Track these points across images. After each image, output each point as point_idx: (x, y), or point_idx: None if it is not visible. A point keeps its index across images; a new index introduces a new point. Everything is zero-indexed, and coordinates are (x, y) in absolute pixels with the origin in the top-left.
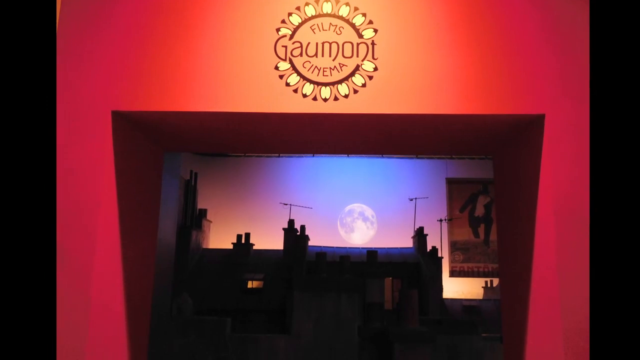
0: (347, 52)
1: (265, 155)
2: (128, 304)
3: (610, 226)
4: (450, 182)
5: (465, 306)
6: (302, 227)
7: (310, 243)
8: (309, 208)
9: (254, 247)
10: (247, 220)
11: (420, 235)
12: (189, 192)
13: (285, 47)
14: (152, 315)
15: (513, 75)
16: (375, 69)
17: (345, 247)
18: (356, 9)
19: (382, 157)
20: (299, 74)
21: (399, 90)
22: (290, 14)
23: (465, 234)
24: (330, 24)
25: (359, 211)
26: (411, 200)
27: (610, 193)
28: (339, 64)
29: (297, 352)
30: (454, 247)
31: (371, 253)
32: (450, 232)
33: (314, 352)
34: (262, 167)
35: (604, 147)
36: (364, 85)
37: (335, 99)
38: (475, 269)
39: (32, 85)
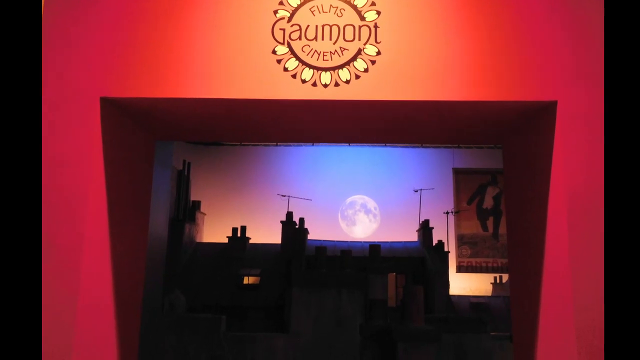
0: (349, 36)
1: (262, 144)
2: (117, 301)
3: (626, 218)
4: (457, 172)
5: (473, 303)
6: (301, 220)
7: (309, 237)
8: (308, 200)
9: (250, 241)
10: (243, 213)
11: (425, 229)
12: (182, 183)
13: (283, 30)
14: (143, 313)
15: (523, 60)
16: (378, 53)
17: (347, 241)
18: None
19: (386, 146)
20: (297, 58)
21: (403, 75)
22: None
23: (473, 227)
24: (331, 5)
25: (360, 203)
26: (416, 191)
27: (626, 184)
28: (340, 47)
29: (295, 351)
30: (461, 241)
31: (374, 247)
32: (457, 225)
33: (314, 352)
34: (259, 157)
35: (620, 135)
36: (366, 70)
37: (336, 84)
38: (484, 264)
39: (15, 71)
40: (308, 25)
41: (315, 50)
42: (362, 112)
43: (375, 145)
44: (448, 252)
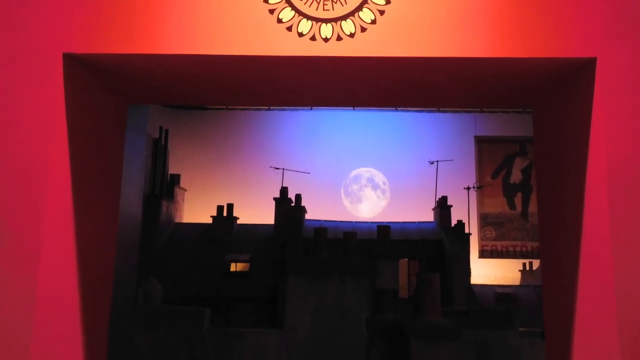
0: None
1: (253, 107)
2: (83, 291)
3: None
4: (480, 141)
5: (499, 294)
6: (298, 197)
7: (307, 216)
8: (306, 173)
9: (238, 221)
10: (229, 188)
11: (442, 207)
12: (159, 153)
13: None
14: (113, 305)
15: (557, 10)
16: (388, 1)
17: (351, 222)
18: None
19: (396, 110)
20: (293, 7)
21: (416, 28)
22: None
23: (498, 204)
24: None
25: (367, 177)
26: (432, 163)
27: None
28: None
29: (291, 349)
30: (484, 221)
31: (382, 229)
32: (480, 203)
33: (312, 350)
34: (248, 123)
35: None
36: (373, 21)
37: (339, 38)
38: (511, 248)
39: None
40: None
41: None
42: (369, 70)
43: (385, 110)
44: (469, 234)
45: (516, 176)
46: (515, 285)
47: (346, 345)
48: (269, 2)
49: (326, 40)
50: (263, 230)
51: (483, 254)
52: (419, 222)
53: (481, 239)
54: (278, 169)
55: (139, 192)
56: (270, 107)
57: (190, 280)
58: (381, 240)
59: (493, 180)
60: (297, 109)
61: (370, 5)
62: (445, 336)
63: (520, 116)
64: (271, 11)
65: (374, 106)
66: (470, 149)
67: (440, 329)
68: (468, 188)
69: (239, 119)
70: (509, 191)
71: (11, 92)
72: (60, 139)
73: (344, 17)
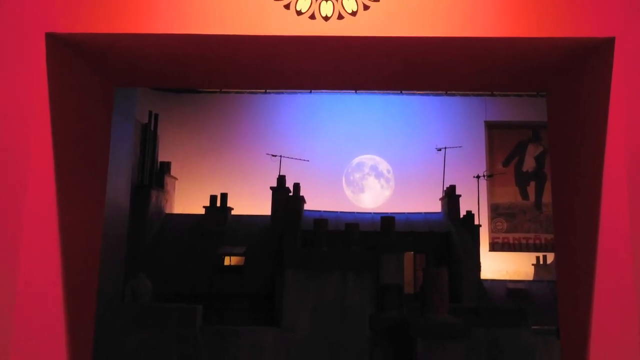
0: None
1: (248, 91)
2: (67, 287)
3: None
4: (490, 126)
5: (511, 289)
6: (296, 186)
7: (306, 207)
8: (305, 161)
9: (233, 212)
10: (223, 177)
11: (451, 197)
12: (148, 139)
13: None
14: (99, 302)
15: None
16: None
17: (353, 212)
18: None
19: (401, 93)
20: None
21: (423, 5)
22: None
23: (510, 194)
24: None
25: (370, 165)
26: (439, 150)
27: None
28: None
29: (289, 348)
30: (495, 212)
31: (386, 220)
32: (490, 193)
33: (312, 350)
34: (244, 107)
35: None
36: None
37: (340, 17)
38: (524, 241)
39: None
40: None
41: None
42: (372, 51)
43: (389, 93)
44: (479, 225)
45: (529, 164)
46: (528, 281)
47: (347, 344)
48: None
49: (326, 18)
50: (259, 221)
51: (494, 247)
52: (425, 213)
53: (492, 231)
54: (275, 156)
55: (126, 181)
56: (267, 90)
57: (181, 275)
58: (385, 232)
59: (504, 168)
60: (296, 92)
61: None
62: (453, 335)
63: (533, 100)
64: None
65: (377, 89)
66: (480, 134)
67: (448, 327)
68: (478, 177)
69: (233, 102)
70: (521, 180)
71: None
72: (43, 123)
73: None
